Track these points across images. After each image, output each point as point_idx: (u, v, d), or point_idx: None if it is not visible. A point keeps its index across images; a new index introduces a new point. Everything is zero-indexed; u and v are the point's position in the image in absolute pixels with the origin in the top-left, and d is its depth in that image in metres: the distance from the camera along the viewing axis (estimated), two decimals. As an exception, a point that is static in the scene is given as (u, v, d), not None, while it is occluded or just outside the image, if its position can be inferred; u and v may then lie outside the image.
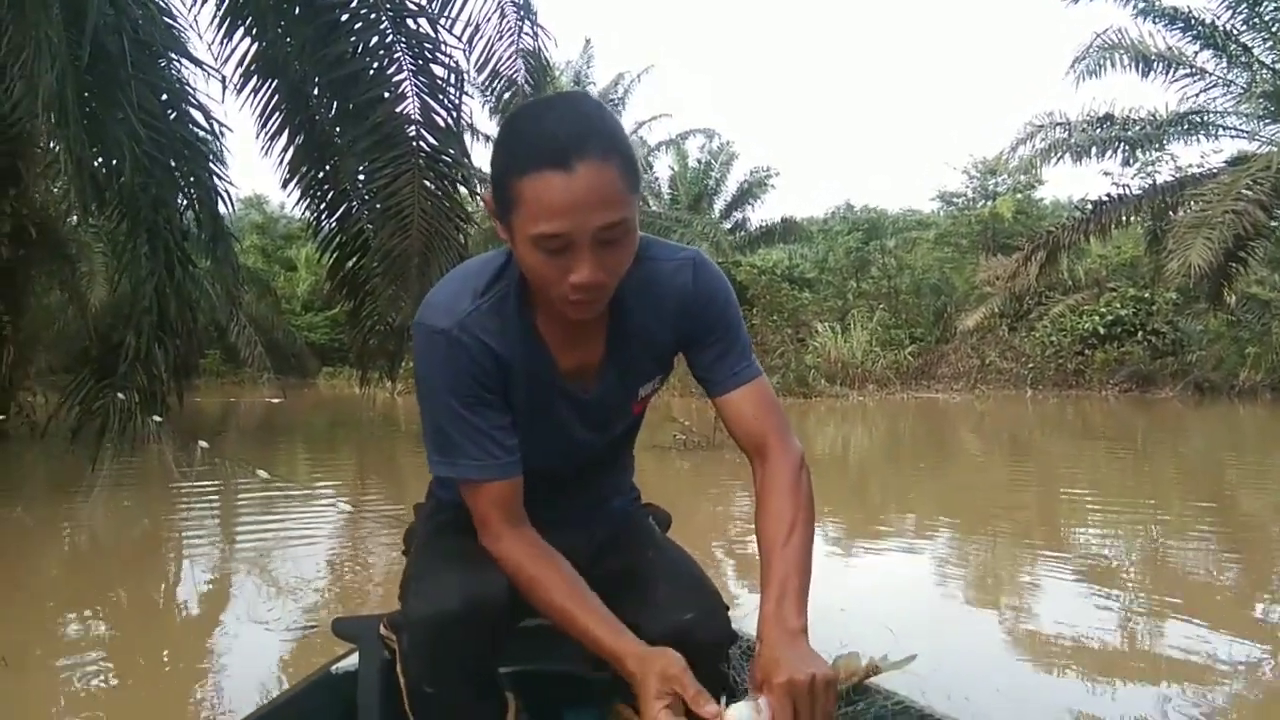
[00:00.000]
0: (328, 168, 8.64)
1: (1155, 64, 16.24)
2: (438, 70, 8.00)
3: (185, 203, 7.90)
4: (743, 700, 1.10)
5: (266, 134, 8.41)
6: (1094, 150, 17.43)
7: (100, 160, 6.93)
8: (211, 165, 8.09)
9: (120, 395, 6.65)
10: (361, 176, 8.38)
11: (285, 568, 4.57)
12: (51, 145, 6.52)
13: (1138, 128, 17.17)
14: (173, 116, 7.53)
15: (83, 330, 12.08)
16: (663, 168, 29.07)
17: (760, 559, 1.24)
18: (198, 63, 7.90)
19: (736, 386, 1.31)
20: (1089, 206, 17.67)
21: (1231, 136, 17.13)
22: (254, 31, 7.81)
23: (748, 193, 28.67)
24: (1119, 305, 20.61)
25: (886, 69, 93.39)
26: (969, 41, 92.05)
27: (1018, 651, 3.32)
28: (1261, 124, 16.61)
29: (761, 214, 28.82)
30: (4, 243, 9.21)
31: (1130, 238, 21.21)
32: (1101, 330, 20.48)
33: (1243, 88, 16.32)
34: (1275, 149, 15.60)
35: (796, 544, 1.23)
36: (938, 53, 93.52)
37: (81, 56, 6.12)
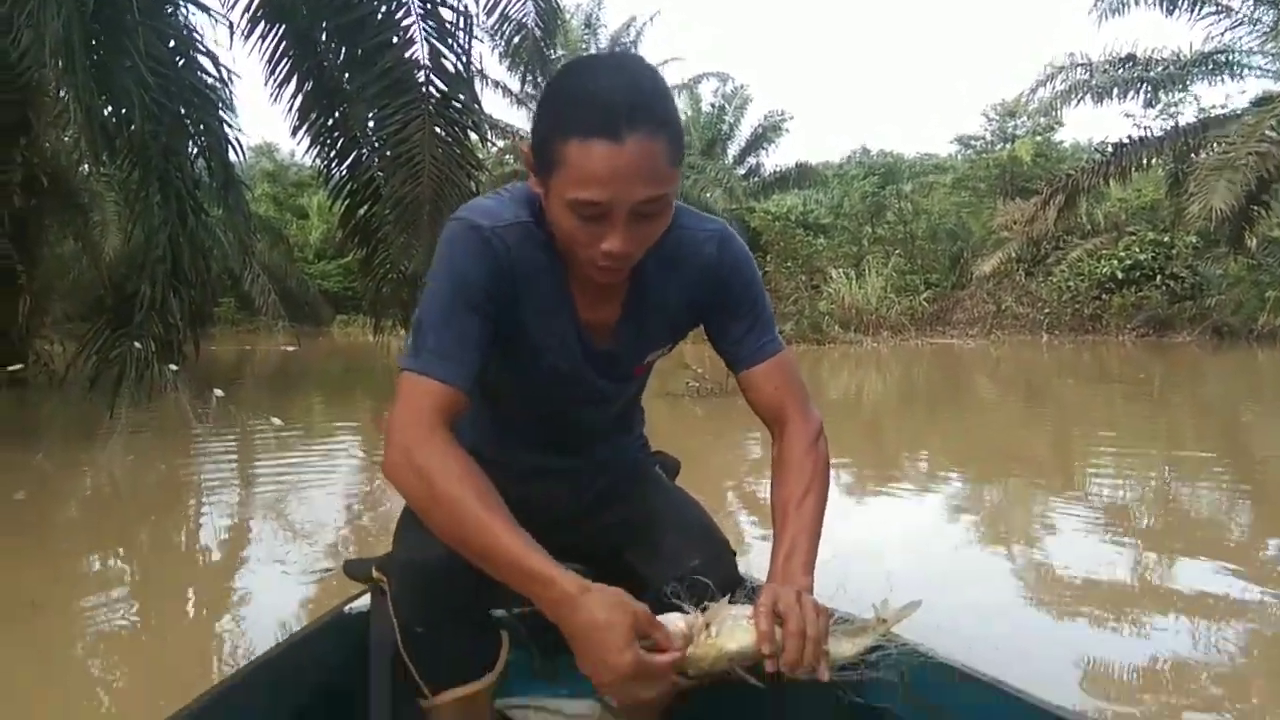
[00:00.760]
0: (337, 114, 8.58)
1: (1180, 0, 15.85)
2: (446, 14, 7.91)
3: (196, 151, 7.88)
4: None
5: (275, 80, 8.34)
6: (1115, 91, 17.12)
7: (109, 108, 6.90)
8: (221, 113, 8.04)
9: (136, 344, 6.70)
10: (371, 123, 8.32)
11: (301, 511, 4.64)
12: (60, 93, 6.48)
13: (1161, 68, 16.83)
14: (181, 64, 7.47)
15: (97, 280, 12.13)
16: (675, 113, 28.66)
17: (773, 524, 1.25)
18: (204, 8, 7.85)
19: (759, 362, 1.31)
20: (1109, 149, 17.41)
21: (1257, 76, 16.80)
22: (260, -25, 7.72)
23: (762, 138, 28.30)
24: (1138, 249, 20.38)
25: (901, 13, 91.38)
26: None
27: (1029, 593, 3.34)
28: (1288, 63, 16.26)
29: (776, 159, 28.55)
30: (16, 192, 9.22)
31: (1150, 181, 20.90)
32: (1119, 274, 20.28)
33: (1269, 25, 15.92)
34: (1302, 88, 15.28)
35: (809, 508, 1.23)
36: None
37: (88, 3, 6.07)
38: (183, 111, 7.47)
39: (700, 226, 1.28)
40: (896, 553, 3.63)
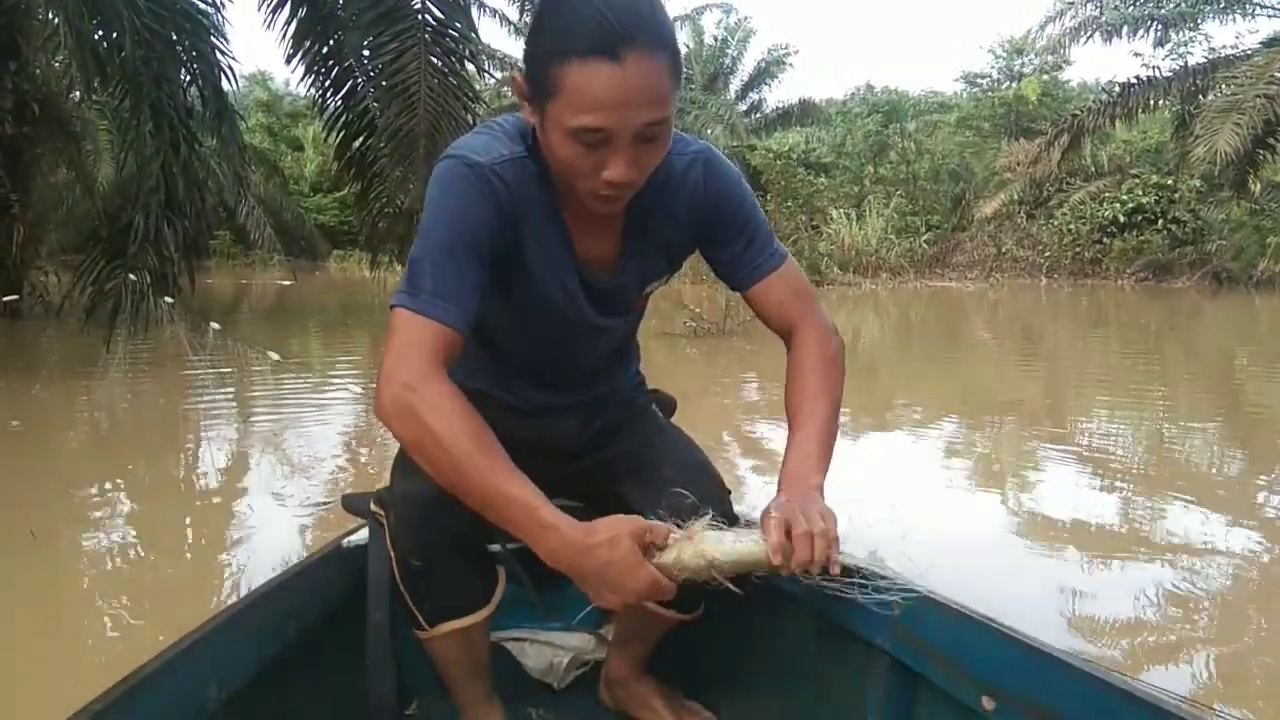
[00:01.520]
0: (331, 42, 8.42)
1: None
2: (443, -63, 7.71)
3: (188, 78, 7.74)
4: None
5: (268, 6, 8.16)
6: (1125, 29, 16.82)
7: (100, 33, 6.76)
8: (213, 39, 7.89)
9: (131, 276, 6.67)
10: (366, 52, 8.17)
11: (299, 446, 4.66)
12: (50, 17, 6.35)
13: (1172, 5, 16.51)
14: (171, -14, 7.30)
15: (92, 210, 12.00)
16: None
17: (787, 428, 1.26)
18: (195, -71, 7.62)
19: (761, 279, 1.30)
20: (1116, 89, 17.13)
21: (1269, 15, 16.50)
22: (251, -104, 7.50)
23: (765, 72, 27.83)
24: (1141, 193, 20.19)
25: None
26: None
27: (1017, 533, 3.38)
28: (1303, 2, 15.95)
29: (779, 95, 28.10)
30: (7, 119, 9.07)
31: (1157, 123, 20.63)
32: (1122, 218, 20.12)
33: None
34: (1315, 29, 15.01)
35: (821, 408, 1.24)
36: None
37: (73, -78, 5.90)
38: (174, 36, 7.33)
39: (683, 150, 1.25)
40: (885, 496, 3.66)
